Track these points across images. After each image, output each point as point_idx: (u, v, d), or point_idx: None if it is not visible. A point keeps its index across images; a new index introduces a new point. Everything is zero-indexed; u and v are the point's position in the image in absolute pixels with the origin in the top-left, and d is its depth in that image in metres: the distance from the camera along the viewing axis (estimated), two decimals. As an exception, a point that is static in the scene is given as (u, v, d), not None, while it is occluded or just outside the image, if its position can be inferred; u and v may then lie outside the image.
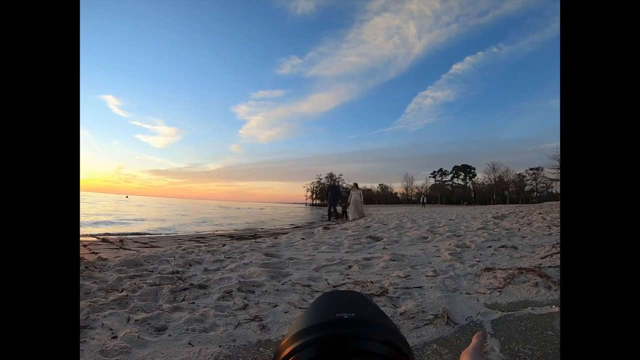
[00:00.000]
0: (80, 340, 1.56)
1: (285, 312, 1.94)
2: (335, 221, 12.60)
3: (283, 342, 0.27)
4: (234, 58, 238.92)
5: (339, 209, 15.73)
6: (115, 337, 1.58)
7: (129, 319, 1.79)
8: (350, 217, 13.67)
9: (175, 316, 1.84)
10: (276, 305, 2.04)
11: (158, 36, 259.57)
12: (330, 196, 14.99)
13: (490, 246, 4.24)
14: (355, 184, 15.27)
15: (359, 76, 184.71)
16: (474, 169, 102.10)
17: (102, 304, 2.00)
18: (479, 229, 6.39)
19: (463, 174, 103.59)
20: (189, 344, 1.56)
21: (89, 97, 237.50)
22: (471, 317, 1.83)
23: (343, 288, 2.38)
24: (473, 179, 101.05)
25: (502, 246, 4.16)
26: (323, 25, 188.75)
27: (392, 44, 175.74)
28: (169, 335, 1.64)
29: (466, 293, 2.23)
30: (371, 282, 2.49)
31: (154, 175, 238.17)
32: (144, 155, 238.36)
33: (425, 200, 52.26)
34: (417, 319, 1.78)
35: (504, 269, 2.81)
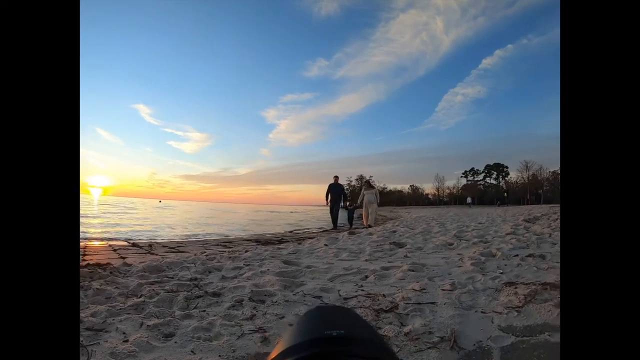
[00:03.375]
0: (94, 342, 1.65)
1: (290, 325, 1.94)
2: (336, 230, 10.15)
3: None
4: (261, 63, 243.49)
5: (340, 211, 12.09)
6: (126, 341, 1.66)
7: (142, 324, 1.87)
8: (365, 223, 11.38)
9: (185, 323, 1.90)
10: (283, 317, 2.04)
11: (185, 45, 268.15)
12: (333, 197, 11.58)
13: (517, 255, 4.03)
14: (368, 182, 12.57)
15: (387, 75, 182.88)
16: (506, 167, 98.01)
17: (119, 309, 2.10)
18: (507, 234, 6.11)
19: (495, 173, 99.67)
20: (192, 351, 1.60)
21: (122, 107, 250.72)
22: (481, 341, 1.71)
23: (354, 301, 2.35)
24: (506, 178, 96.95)
25: (530, 255, 3.95)
26: (348, 26, 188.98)
27: (419, 41, 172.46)
28: (175, 342, 1.69)
29: (481, 312, 2.13)
30: (383, 295, 2.43)
31: (186, 180, 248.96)
32: (176, 161, 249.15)
33: (471, 201, 50.63)
34: (422, 340, 1.70)
35: (526, 284, 2.67)
